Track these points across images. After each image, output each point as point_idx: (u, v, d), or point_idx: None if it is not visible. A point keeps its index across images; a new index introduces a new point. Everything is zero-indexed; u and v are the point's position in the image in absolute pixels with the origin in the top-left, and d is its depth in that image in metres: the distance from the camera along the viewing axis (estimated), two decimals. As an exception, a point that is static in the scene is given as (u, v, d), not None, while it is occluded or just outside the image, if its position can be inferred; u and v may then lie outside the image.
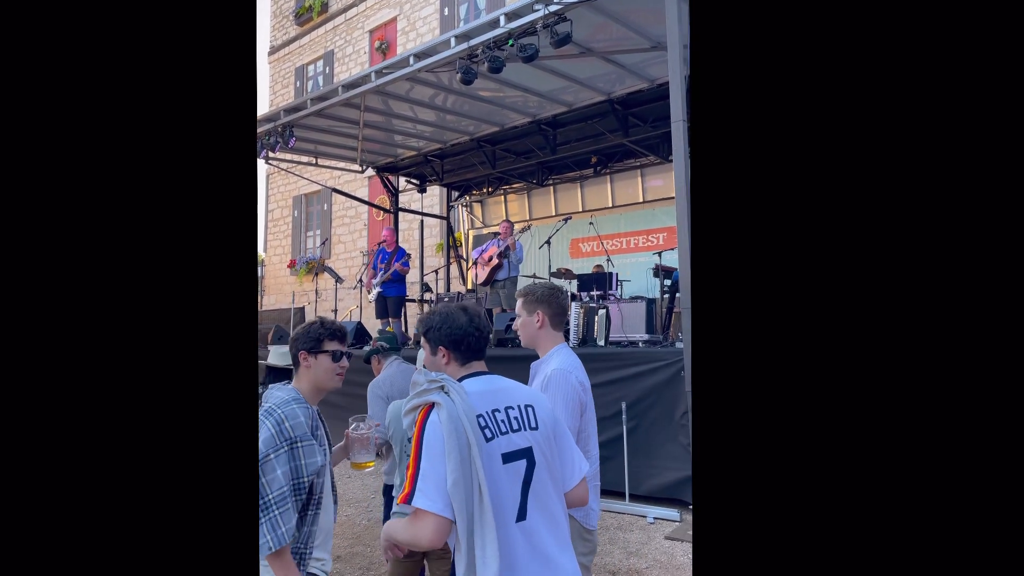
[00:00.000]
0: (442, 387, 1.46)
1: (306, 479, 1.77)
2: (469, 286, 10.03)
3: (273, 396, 1.87)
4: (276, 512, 1.71)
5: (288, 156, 8.57)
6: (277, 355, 3.52)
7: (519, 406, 1.56)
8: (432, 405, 1.44)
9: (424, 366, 1.73)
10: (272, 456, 1.74)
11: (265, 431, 1.76)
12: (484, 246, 7.57)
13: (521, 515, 1.46)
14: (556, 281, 7.28)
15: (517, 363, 4.25)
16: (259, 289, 16.03)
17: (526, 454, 1.50)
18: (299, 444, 1.76)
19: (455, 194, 10.54)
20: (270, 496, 1.73)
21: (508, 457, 1.47)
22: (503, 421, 1.50)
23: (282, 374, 3.40)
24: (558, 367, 2.16)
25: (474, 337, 1.61)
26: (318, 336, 1.91)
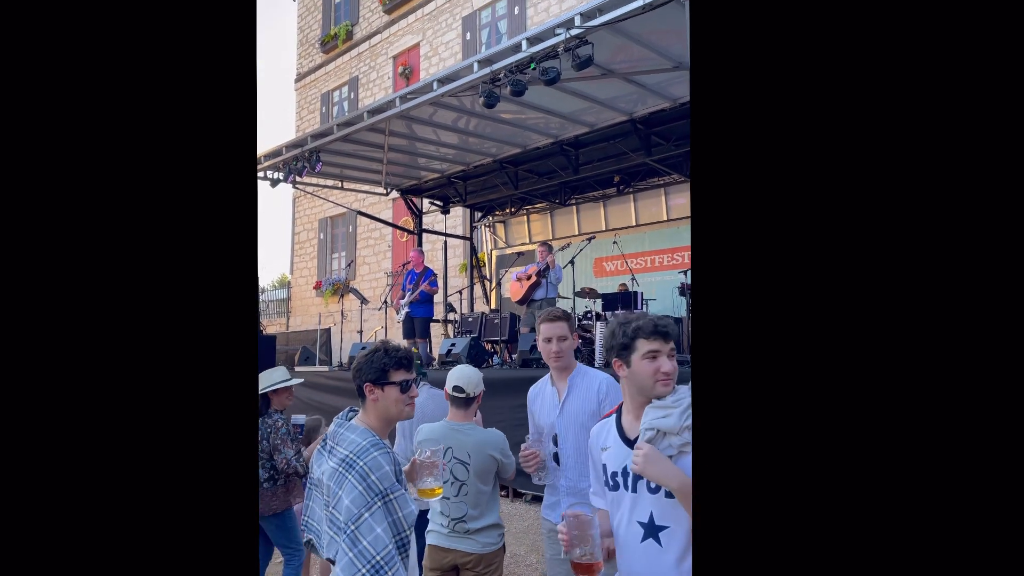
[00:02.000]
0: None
1: (407, 531, 1.62)
2: (493, 306, 10.05)
3: (347, 441, 1.69)
4: (389, 573, 1.55)
5: (314, 180, 8.74)
6: (265, 380, 3.44)
7: None
8: None
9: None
10: (366, 515, 1.57)
11: (352, 490, 1.59)
12: (526, 267, 7.62)
13: None
14: (580, 300, 7.27)
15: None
16: (286, 310, 16.25)
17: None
18: (391, 496, 1.60)
19: (478, 215, 10.62)
20: (378, 558, 1.56)
21: None
22: None
23: (263, 399, 3.36)
24: (608, 377, 2.30)
25: None
26: (383, 366, 1.74)
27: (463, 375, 2.57)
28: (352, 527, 1.57)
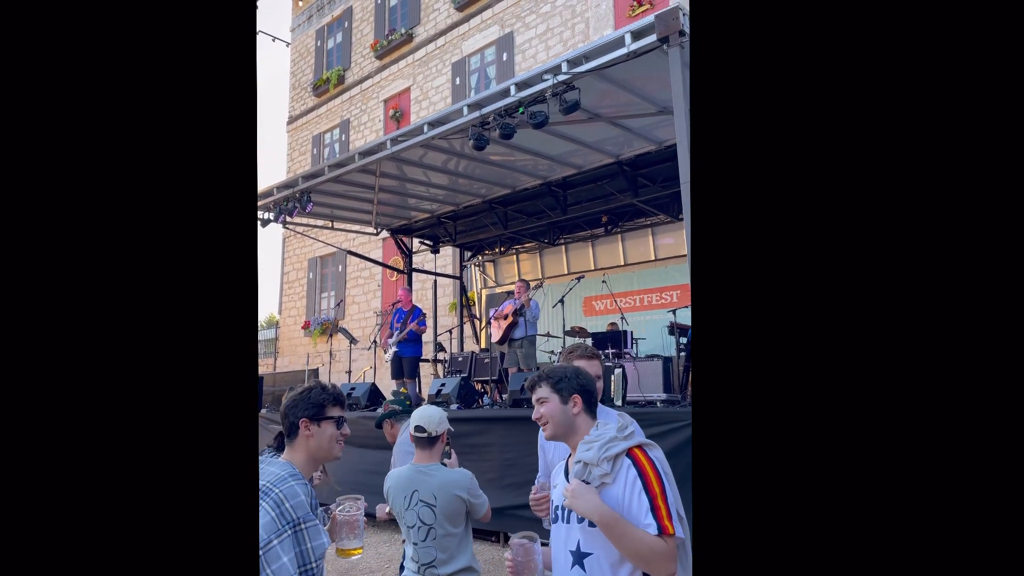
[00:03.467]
0: (631, 433, 1.60)
1: (314, 564, 1.61)
2: (483, 345, 10.02)
3: (267, 473, 1.69)
4: None
5: (305, 220, 8.78)
6: None
7: None
8: (640, 446, 1.58)
9: (543, 416, 1.72)
10: (275, 542, 1.56)
11: (264, 514, 1.58)
12: (501, 305, 7.61)
13: None
14: (570, 340, 7.28)
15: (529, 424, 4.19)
16: (274, 350, 16.08)
17: None
18: (303, 526, 1.60)
19: (468, 254, 10.68)
20: None
21: None
22: None
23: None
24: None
25: (595, 390, 1.73)
26: (320, 402, 1.74)
27: (424, 415, 2.54)
28: (261, 553, 1.55)
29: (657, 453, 1.59)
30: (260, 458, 1.78)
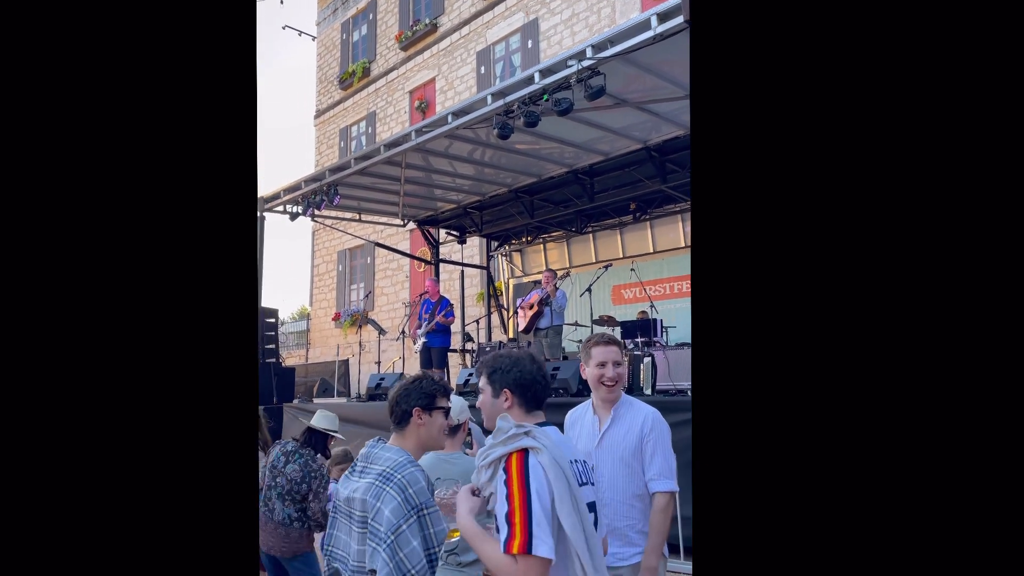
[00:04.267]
0: (528, 433, 1.44)
1: (436, 549, 1.64)
2: (511, 335, 10.02)
3: (383, 458, 1.73)
4: None
5: (333, 213, 8.87)
6: (323, 419, 3.44)
7: (580, 461, 1.56)
8: (525, 451, 1.42)
9: (479, 407, 1.68)
10: (404, 527, 1.61)
11: (390, 500, 1.63)
12: (528, 294, 7.59)
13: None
14: (599, 328, 7.22)
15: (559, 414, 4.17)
16: (305, 342, 16.35)
17: (594, 508, 1.51)
18: (425, 512, 1.64)
19: (495, 244, 10.67)
20: (413, 571, 1.61)
21: (590, 508, 1.47)
22: (581, 472, 1.51)
23: (320, 438, 3.36)
24: (655, 411, 2.20)
25: (540, 385, 1.58)
26: (432, 392, 1.80)
27: None
28: (392, 537, 1.61)
29: (542, 458, 1.40)
30: (369, 444, 1.85)
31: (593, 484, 1.55)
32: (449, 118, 5.94)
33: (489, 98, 5.57)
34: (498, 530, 1.39)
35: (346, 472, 1.83)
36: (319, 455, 3.30)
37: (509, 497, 1.38)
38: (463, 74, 13.13)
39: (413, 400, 1.79)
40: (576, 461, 1.51)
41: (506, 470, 1.41)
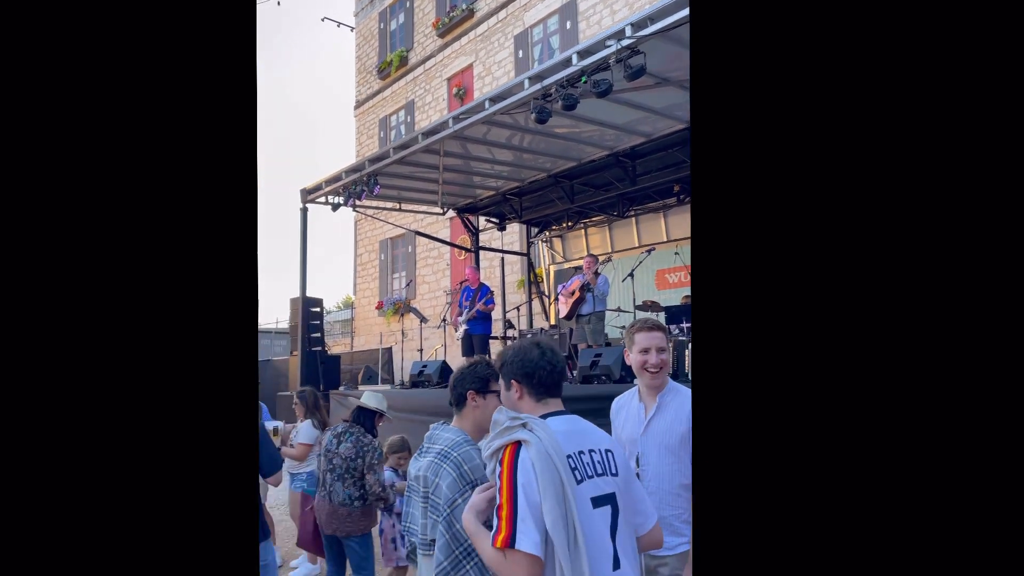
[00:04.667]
0: (524, 425, 1.43)
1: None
2: (552, 322, 9.97)
3: (442, 438, 1.87)
4: (479, 558, 1.65)
5: (373, 203, 8.94)
6: (372, 398, 3.55)
7: (601, 450, 1.50)
8: (518, 443, 1.40)
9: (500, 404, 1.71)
10: (459, 501, 1.72)
11: (447, 476, 1.75)
12: (569, 280, 7.51)
13: (616, 563, 1.40)
14: (642, 314, 7.09)
15: (602, 402, 4.11)
16: (350, 330, 16.66)
17: (611, 500, 1.45)
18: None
19: (535, 230, 10.59)
20: (467, 542, 1.68)
21: (597, 502, 1.42)
22: (589, 464, 1.45)
23: (368, 416, 3.46)
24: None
25: (545, 371, 1.55)
26: (486, 376, 1.91)
27: None
28: (448, 510, 1.73)
29: (530, 452, 1.38)
30: (433, 426, 1.98)
31: (615, 474, 1.48)
32: (486, 104, 5.88)
33: (526, 82, 5.49)
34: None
35: (416, 453, 1.96)
36: (369, 432, 3.38)
37: (500, 491, 1.38)
38: (501, 59, 13.01)
39: (467, 384, 1.91)
40: (585, 452, 1.46)
41: (500, 463, 1.42)
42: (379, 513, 3.45)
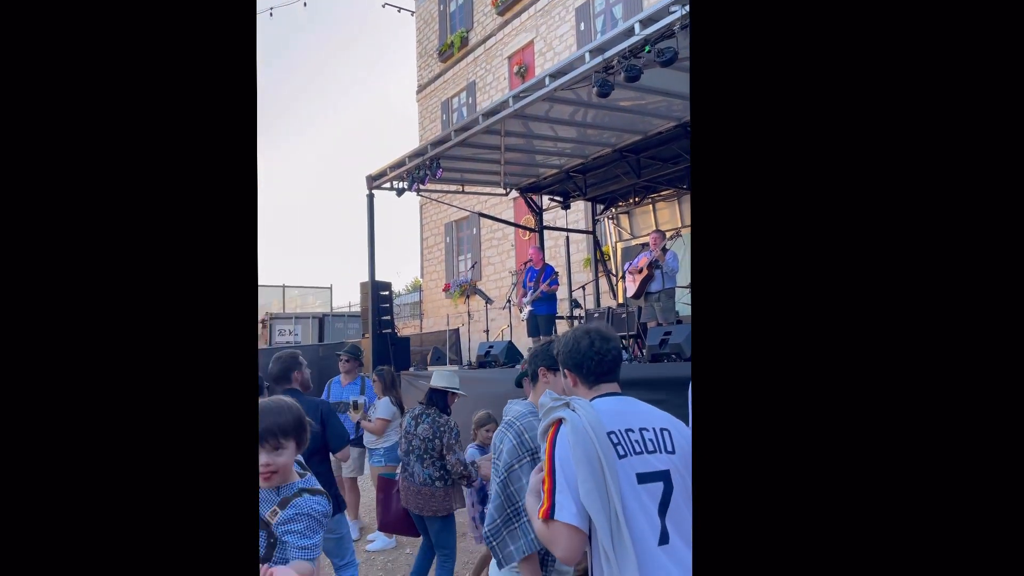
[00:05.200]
0: (567, 404, 1.51)
1: None
2: (620, 300, 9.79)
3: (512, 410, 2.05)
4: (526, 519, 1.81)
5: (437, 186, 9.00)
6: (441, 377, 3.62)
7: (655, 428, 1.54)
8: (560, 422, 1.48)
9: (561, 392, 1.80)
10: (516, 466, 1.88)
11: (508, 442, 1.92)
12: (636, 258, 7.34)
13: (663, 539, 1.43)
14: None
15: (674, 384, 3.99)
16: (419, 313, 17.01)
17: (663, 477, 1.48)
18: (539, 455, 1.79)
19: (600, 207, 10.39)
20: (520, 503, 1.83)
21: (644, 478, 1.46)
22: (637, 441, 1.50)
23: (441, 396, 3.51)
24: None
25: (594, 361, 1.61)
26: (556, 354, 2.03)
27: None
28: (505, 474, 1.88)
29: (567, 429, 1.45)
30: (511, 401, 2.13)
31: (671, 452, 1.51)
32: (546, 80, 5.76)
33: (587, 56, 5.32)
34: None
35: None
36: (444, 412, 3.44)
37: (544, 466, 1.48)
38: (562, 33, 12.74)
39: (539, 361, 2.06)
40: (633, 430, 1.50)
41: (545, 441, 1.51)
42: (465, 491, 3.51)
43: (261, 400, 1.52)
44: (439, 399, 3.47)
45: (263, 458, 1.45)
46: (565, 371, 1.64)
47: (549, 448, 1.47)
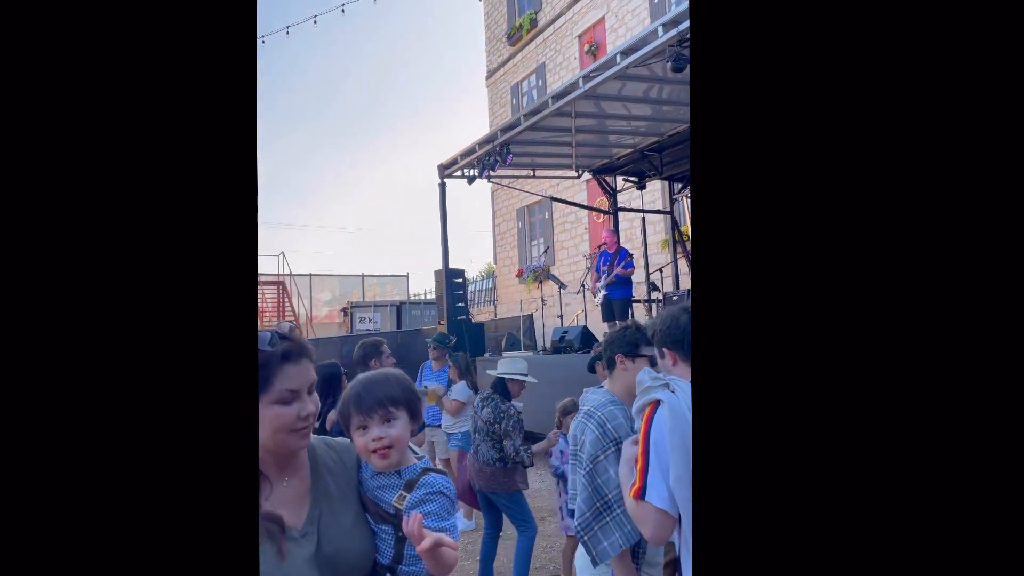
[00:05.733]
0: (666, 384, 1.47)
1: None
2: (697, 283, 9.43)
3: (590, 399, 1.99)
4: (619, 511, 1.78)
5: (507, 172, 8.97)
6: (504, 364, 3.70)
7: None
8: (658, 403, 1.46)
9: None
10: (601, 457, 1.84)
11: (590, 433, 1.87)
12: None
13: None
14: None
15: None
16: (493, 299, 17.15)
17: None
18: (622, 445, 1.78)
19: (678, 186, 10.02)
20: (609, 496, 1.80)
21: None
22: None
23: (503, 382, 3.59)
24: None
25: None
26: (635, 340, 1.97)
27: None
28: (590, 465, 1.83)
29: (663, 410, 1.43)
30: (587, 390, 2.07)
31: None
32: (617, 58, 5.56)
33: (660, 29, 5.09)
34: None
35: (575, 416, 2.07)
36: (506, 399, 3.57)
37: (639, 441, 1.46)
38: (634, 7, 12.32)
39: (616, 347, 1.98)
40: None
41: (642, 419, 1.49)
42: (526, 473, 3.64)
43: (362, 374, 1.35)
44: (502, 386, 3.58)
45: (375, 431, 1.23)
46: (664, 350, 1.60)
47: (645, 427, 1.46)
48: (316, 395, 1.19)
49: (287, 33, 12.92)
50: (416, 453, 1.33)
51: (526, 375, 3.65)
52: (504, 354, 8.50)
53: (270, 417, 1.11)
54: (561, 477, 3.44)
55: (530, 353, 8.73)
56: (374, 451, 1.23)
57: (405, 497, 1.23)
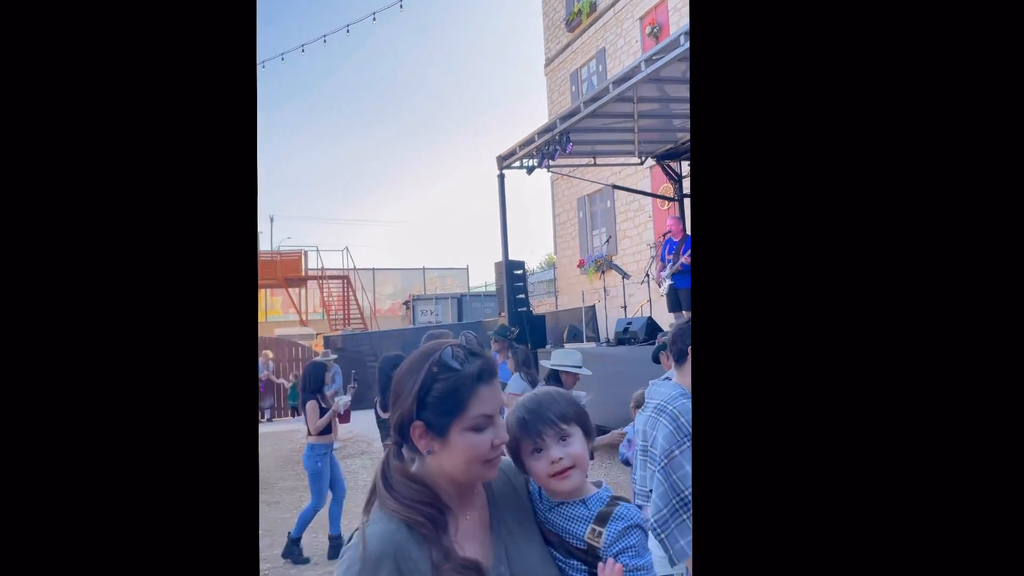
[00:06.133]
0: None
1: None
2: (768, 272, 9.02)
3: (659, 393, 1.93)
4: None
5: (567, 161, 8.81)
6: (558, 356, 3.64)
7: None
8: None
9: None
10: (676, 452, 1.79)
11: (663, 428, 1.81)
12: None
13: None
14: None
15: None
16: (554, 290, 17.02)
17: None
18: None
19: (744, 172, 9.62)
20: (686, 492, 1.75)
21: None
22: None
23: (556, 374, 3.53)
24: None
25: None
26: None
27: None
28: (665, 461, 1.77)
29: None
30: (652, 382, 2.03)
31: None
32: (681, 39, 5.32)
33: (728, 3, 4.82)
34: None
35: (639, 410, 2.09)
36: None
37: None
38: (696, -14, 11.85)
39: (688, 338, 1.89)
40: None
41: None
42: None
43: (524, 396, 1.22)
44: (555, 377, 3.55)
45: (554, 453, 1.08)
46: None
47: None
48: (502, 418, 1.06)
49: (346, 32, 13.13)
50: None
51: (580, 367, 3.58)
52: (566, 346, 8.39)
53: (464, 447, 0.98)
54: (627, 464, 3.40)
55: (593, 345, 8.58)
56: (553, 475, 1.09)
57: (599, 532, 1.07)
